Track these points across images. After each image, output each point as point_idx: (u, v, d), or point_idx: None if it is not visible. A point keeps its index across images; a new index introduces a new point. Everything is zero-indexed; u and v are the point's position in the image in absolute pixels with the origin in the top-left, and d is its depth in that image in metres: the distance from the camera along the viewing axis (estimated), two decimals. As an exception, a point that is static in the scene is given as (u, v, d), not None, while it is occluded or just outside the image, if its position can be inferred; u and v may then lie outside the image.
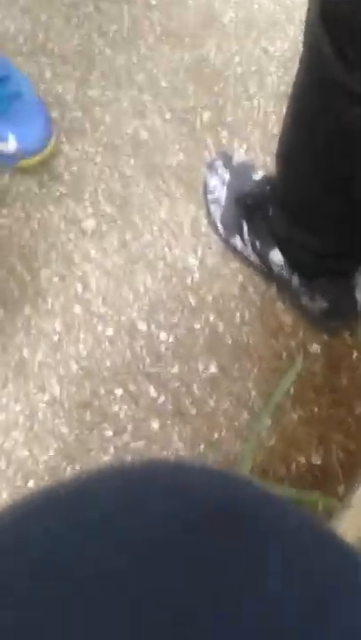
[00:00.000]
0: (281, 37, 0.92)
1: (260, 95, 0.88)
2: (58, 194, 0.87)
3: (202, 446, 0.78)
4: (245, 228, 0.83)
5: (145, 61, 0.92)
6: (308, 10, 0.52)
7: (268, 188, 0.82)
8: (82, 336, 0.83)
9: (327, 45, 0.50)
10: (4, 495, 0.82)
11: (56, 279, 0.85)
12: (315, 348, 0.81)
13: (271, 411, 0.77)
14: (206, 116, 0.88)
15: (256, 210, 0.82)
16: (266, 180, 0.84)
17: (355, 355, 0.79)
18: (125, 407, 0.81)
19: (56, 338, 0.83)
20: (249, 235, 0.83)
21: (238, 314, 0.84)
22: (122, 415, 0.82)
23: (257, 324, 0.84)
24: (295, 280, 0.81)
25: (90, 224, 0.86)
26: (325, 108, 0.56)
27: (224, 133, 0.88)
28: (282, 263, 0.80)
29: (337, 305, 0.81)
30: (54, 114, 0.89)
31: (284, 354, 0.81)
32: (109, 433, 0.81)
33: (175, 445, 0.78)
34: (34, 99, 0.86)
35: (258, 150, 0.87)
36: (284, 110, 0.70)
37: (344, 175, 0.63)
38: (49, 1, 0.95)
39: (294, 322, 0.83)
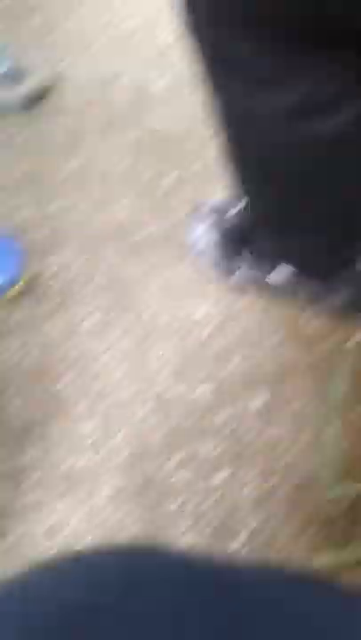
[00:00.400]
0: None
1: (211, 144, 1.60)
2: (49, 309, 1.54)
3: (274, 477, 1.32)
4: (241, 263, 1.45)
5: (95, 157, 1.69)
6: None
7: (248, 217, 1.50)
8: (118, 427, 1.43)
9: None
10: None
11: (74, 387, 1.48)
12: (351, 343, 1.35)
13: (336, 410, 1.32)
14: (165, 181, 1.58)
15: (245, 241, 1.46)
16: (245, 208, 1.50)
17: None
18: (183, 471, 1.38)
19: (95, 437, 1.43)
20: (251, 264, 1.46)
21: (267, 342, 1.46)
22: (181, 483, 1.38)
23: (289, 343, 1.45)
24: (310, 286, 1.44)
25: (91, 322, 1.53)
26: (243, 125, 1.13)
27: (190, 189, 1.55)
28: (289, 278, 1.44)
29: (357, 292, 1.44)
30: (23, 240, 1.62)
31: (327, 359, 1.33)
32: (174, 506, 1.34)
33: (248, 488, 1.30)
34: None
35: (228, 190, 1.57)
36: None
37: (298, 179, 1.16)
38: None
39: (323, 326, 1.38)
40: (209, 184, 1.54)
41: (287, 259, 1.36)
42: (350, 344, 1.34)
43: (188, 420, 1.35)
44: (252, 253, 1.41)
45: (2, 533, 1.29)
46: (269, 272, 1.40)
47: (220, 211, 1.47)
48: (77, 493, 1.32)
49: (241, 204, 1.43)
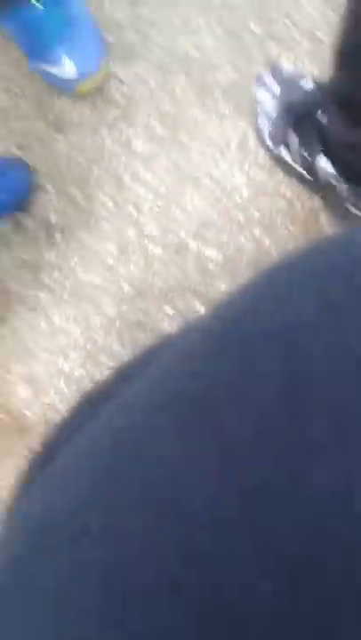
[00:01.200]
0: None
1: (309, 6, 1.56)
2: (112, 118, 1.58)
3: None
4: (293, 137, 1.46)
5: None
6: None
7: (319, 95, 1.47)
8: (133, 257, 1.53)
9: None
10: (64, 414, 1.59)
11: (110, 203, 1.56)
12: None
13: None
14: (255, 28, 1.56)
15: (305, 118, 1.43)
16: (317, 87, 1.49)
17: None
18: (175, 324, 1.52)
19: (110, 260, 1.55)
20: (297, 144, 1.45)
21: (284, 228, 1.50)
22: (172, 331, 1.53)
23: (302, 237, 1.48)
24: (343, 186, 1.44)
25: (142, 146, 1.57)
26: None
27: (273, 47, 1.49)
28: (330, 170, 1.43)
29: None
30: (108, 36, 1.63)
31: None
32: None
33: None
34: (90, 22, 1.58)
35: (306, 61, 1.50)
36: (331, 17, 1.38)
37: None
38: None
39: (346, 230, 1.48)
40: (292, 49, 1.48)
41: (339, 149, 1.34)
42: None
43: (191, 277, 1.47)
44: (307, 133, 1.39)
45: (2, 318, 1.47)
46: (313, 157, 1.40)
47: (292, 79, 1.43)
48: (79, 306, 1.47)
49: (312, 82, 1.41)
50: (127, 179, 1.49)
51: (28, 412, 1.46)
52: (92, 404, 0.46)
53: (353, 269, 0.34)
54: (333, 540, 0.29)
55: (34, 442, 1.46)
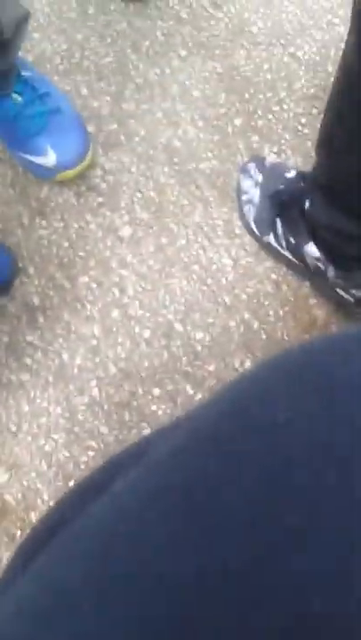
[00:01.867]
0: (309, 42, 1.64)
1: (289, 99, 1.59)
2: (95, 204, 1.59)
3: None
4: (279, 225, 1.48)
5: (178, 73, 1.63)
6: None
7: (302, 184, 1.50)
8: (120, 339, 1.50)
9: None
10: (45, 496, 1.50)
11: (94, 285, 1.54)
12: None
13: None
14: (238, 122, 1.58)
15: (290, 205, 1.45)
16: (300, 176, 1.48)
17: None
18: (164, 406, 1.47)
19: (95, 342, 1.51)
20: (283, 231, 1.46)
21: (272, 311, 1.49)
22: (160, 414, 1.49)
23: (291, 319, 1.49)
24: (331, 271, 1.43)
25: (126, 231, 1.57)
26: None
27: (255, 138, 1.52)
28: (317, 255, 1.44)
29: None
30: (91, 127, 1.63)
31: None
32: (149, 432, 1.48)
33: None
34: (72, 114, 1.58)
35: (289, 152, 1.55)
36: (314, 111, 1.42)
37: None
38: (83, 21, 1.75)
39: (327, 316, 1.46)
40: (275, 142, 1.51)
41: (323, 235, 1.35)
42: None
43: (179, 359, 1.43)
44: (289, 220, 1.40)
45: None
46: (300, 245, 1.40)
47: (274, 170, 1.45)
48: (63, 388, 1.42)
49: (294, 171, 1.43)
50: (113, 262, 1.47)
51: (7, 496, 1.38)
52: (83, 497, 0.48)
53: (323, 374, 0.38)
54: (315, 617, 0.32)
55: (13, 526, 1.38)
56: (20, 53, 1.49)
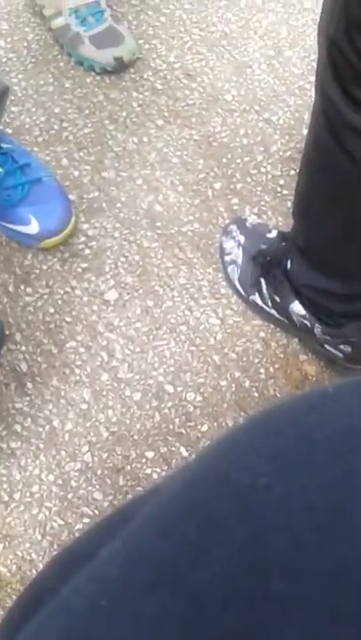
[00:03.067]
0: (282, 108, 1.64)
1: (266, 162, 1.58)
2: (80, 269, 1.54)
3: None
4: (264, 284, 1.46)
5: (155, 141, 1.62)
6: (318, 57, 1.00)
7: (284, 243, 1.48)
8: (110, 403, 1.45)
9: (334, 90, 0.96)
10: (40, 567, 1.42)
11: (82, 350, 1.49)
12: None
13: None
14: (217, 186, 1.55)
15: (273, 266, 1.45)
16: (281, 236, 1.48)
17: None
18: (158, 469, 1.41)
19: (85, 406, 1.45)
20: (268, 291, 1.46)
21: (263, 369, 1.46)
22: (155, 476, 1.42)
23: (282, 376, 1.45)
24: (318, 329, 1.41)
25: (112, 295, 1.52)
26: (340, 151, 1.03)
27: (235, 200, 1.50)
28: (303, 313, 1.42)
29: (359, 350, 1.44)
30: (72, 196, 1.59)
31: None
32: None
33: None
34: (53, 183, 1.55)
35: (270, 213, 1.54)
36: (292, 173, 1.41)
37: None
38: (60, 94, 1.73)
39: (318, 371, 1.43)
40: (254, 203, 1.49)
41: (307, 294, 1.34)
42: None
43: (171, 421, 1.38)
44: (273, 280, 1.37)
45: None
46: (285, 304, 1.38)
47: (256, 230, 1.43)
48: (55, 455, 1.37)
49: (274, 231, 1.42)
50: (100, 327, 1.43)
51: (1, 568, 1.30)
52: (65, 566, 0.46)
53: (302, 436, 0.37)
54: None
55: (9, 598, 1.30)
56: None
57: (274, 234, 1.45)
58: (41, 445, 1.38)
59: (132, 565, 0.36)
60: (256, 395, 1.37)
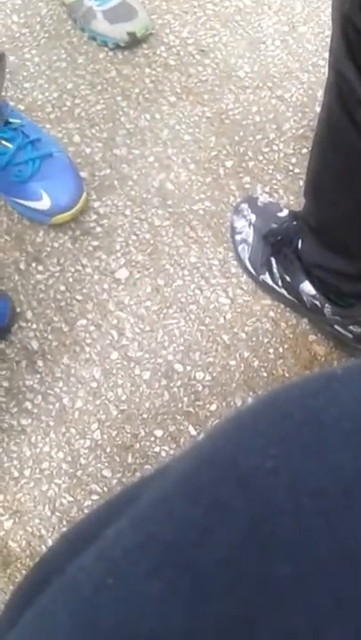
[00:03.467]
0: (295, 85, 1.62)
1: (279, 140, 1.56)
2: (90, 247, 1.54)
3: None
4: (274, 264, 1.45)
5: (168, 118, 1.61)
6: (332, 34, 0.97)
7: (295, 223, 1.46)
8: (120, 381, 1.45)
9: (348, 67, 0.93)
10: (50, 542, 1.42)
11: (92, 328, 1.49)
12: None
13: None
14: (229, 164, 1.54)
15: (284, 245, 1.43)
16: (292, 215, 1.46)
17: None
18: (167, 447, 1.41)
19: (95, 384, 1.45)
20: (278, 270, 1.44)
21: (272, 349, 1.45)
22: (163, 455, 1.42)
23: (291, 356, 1.44)
24: (328, 309, 1.40)
25: (122, 273, 1.52)
26: (353, 128, 1.00)
27: (247, 179, 1.47)
28: (314, 293, 1.41)
29: None
30: (84, 173, 1.58)
31: None
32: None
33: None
34: (64, 159, 1.54)
35: (281, 192, 1.53)
36: (304, 151, 1.38)
37: None
38: (73, 70, 1.71)
39: (327, 352, 1.42)
40: (266, 182, 1.47)
41: (318, 274, 1.32)
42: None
43: (180, 400, 1.38)
44: (283, 260, 1.37)
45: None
46: (296, 284, 1.36)
47: (267, 209, 1.41)
48: (65, 432, 1.37)
49: (286, 210, 1.41)
50: (110, 305, 1.42)
51: (12, 543, 1.31)
52: (73, 544, 0.46)
53: (310, 418, 0.37)
54: None
55: (19, 574, 1.31)
56: (10, 102, 1.45)
57: (285, 213, 1.42)
58: (51, 423, 1.38)
59: (138, 546, 0.36)
60: (265, 374, 1.36)
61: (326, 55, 1.06)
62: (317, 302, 1.35)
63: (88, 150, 1.55)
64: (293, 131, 1.52)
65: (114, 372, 1.40)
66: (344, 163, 1.11)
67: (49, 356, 1.41)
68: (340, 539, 0.32)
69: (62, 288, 1.45)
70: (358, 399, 0.37)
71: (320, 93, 1.54)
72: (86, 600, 0.35)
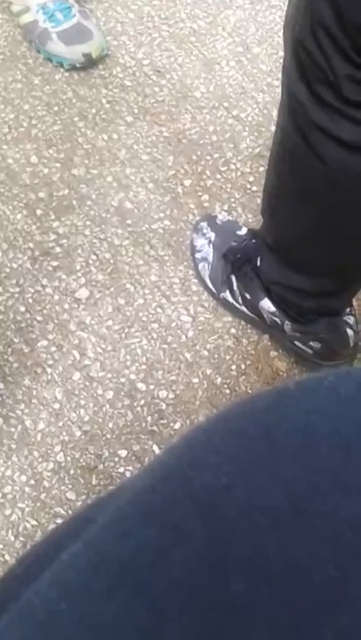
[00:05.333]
0: (251, 105, 1.61)
1: (236, 159, 1.54)
2: (50, 268, 1.50)
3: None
4: (234, 281, 1.43)
5: (125, 138, 1.57)
6: (284, 56, 0.97)
7: (254, 241, 1.45)
8: (82, 402, 1.41)
9: (301, 89, 0.93)
10: (14, 568, 1.38)
11: (54, 349, 1.45)
12: None
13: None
14: (187, 182, 1.50)
15: (244, 263, 1.41)
16: (251, 233, 1.44)
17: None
18: (131, 467, 1.37)
19: (57, 406, 1.41)
20: (238, 288, 1.42)
21: (234, 365, 1.42)
22: (128, 475, 1.38)
23: (253, 373, 1.41)
24: (288, 326, 1.38)
25: (83, 293, 1.48)
26: (307, 148, 1.00)
27: (205, 197, 1.45)
28: (273, 310, 1.39)
29: (330, 345, 1.40)
30: (42, 194, 1.56)
31: None
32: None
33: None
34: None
35: (240, 210, 1.51)
36: (261, 170, 1.37)
37: (330, 214, 1.08)
38: (29, 91, 1.67)
39: (289, 368, 1.40)
40: (224, 200, 1.45)
41: (277, 291, 1.30)
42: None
43: (144, 419, 1.35)
44: (243, 277, 1.36)
45: None
46: (255, 301, 1.35)
47: (226, 228, 1.40)
48: (27, 455, 1.33)
49: (244, 228, 1.39)
50: (71, 325, 1.39)
51: (-26, 571, 1.25)
52: (29, 569, 0.45)
53: (262, 434, 0.36)
54: None
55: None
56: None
57: (244, 231, 1.41)
58: (13, 446, 1.33)
59: (93, 569, 0.35)
60: (228, 391, 1.34)
61: (280, 75, 1.05)
62: (277, 319, 1.34)
63: (46, 170, 1.52)
64: (250, 150, 1.51)
65: (76, 392, 1.36)
66: (299, 182, 1.10)
67: (10, 378, 1.37)
68: (292, 555, 0.32)
69: (22, 309, 1.42)
70: (309, 414, 0.36)
71: (275, 113, 1.53)
72: (40, 626, 0.34)
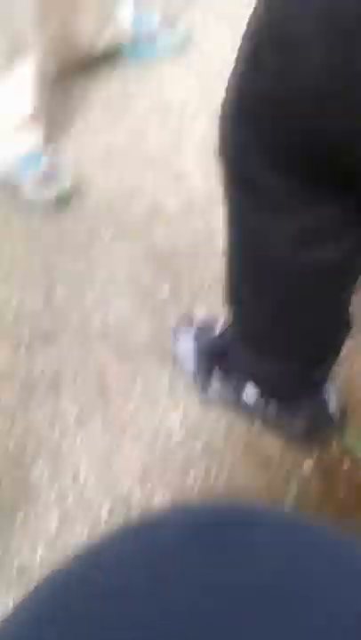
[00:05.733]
0: (221, 212, 1.65)
1: (211, 261, 1.56)
2: (37, 396, 1.49)
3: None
4: (217, 375, 1.34)
5: (103, 258, 1.60)
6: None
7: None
8: (79, 524, 1.34)
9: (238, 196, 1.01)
10: None
11: (46, 476, 1.38)
12: (306, 468, 1.27)
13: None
14: (165, 290, 1.52)
15: (223, 356, 1.33)
16: (227, 326, 1.44)
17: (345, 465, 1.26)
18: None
19: (54, 531, 1.34)
20: (222, 380, 1.33)
21: (228, 456, 1.31)
22: None
23: (247, 460, 1.28)
24: (272, 408, 1.27)
25: (72, 415, 1.45)
26: (251, 243, 1.05)
27: (185, 301, 1.48)
28: (256, 396, 1.28)
29: (315, 421, 1.27)
30: (25, 328, 1.59)
31: (280, 481, 1.25)
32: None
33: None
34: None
35: (219, 307, 1.50)
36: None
37: (287, 301, 1.09)
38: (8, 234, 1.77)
39: (282, 448, 1.29)
40: (203, 299, 1.52)
41: (255, 377, 1.29)
42: (305, 470, 1.30)
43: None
44: (224, 370, 1.35)
45: None
46: (239, 389, 1.33)
47: (205, 325, 1.39)
48: (28, 584, 1.24)
49: (223, 322, 1.37)
50: (63, 448, 1.37)
51: None
52: None
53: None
54: None
55: None
56: None
57: (221, 324, 1.40)
58: (14, 575, 1.28)
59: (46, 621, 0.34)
60: (224, 485, 1.30)
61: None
62: (262, 405, 1.31)
63: (28, 301, 1.56)
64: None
65: (72, 514, 1.32)
66: (257, 277, 1.12)
67: (6, 510, 1.34)
68: None
69: (12, 443, 1.40)
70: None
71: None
72: None
